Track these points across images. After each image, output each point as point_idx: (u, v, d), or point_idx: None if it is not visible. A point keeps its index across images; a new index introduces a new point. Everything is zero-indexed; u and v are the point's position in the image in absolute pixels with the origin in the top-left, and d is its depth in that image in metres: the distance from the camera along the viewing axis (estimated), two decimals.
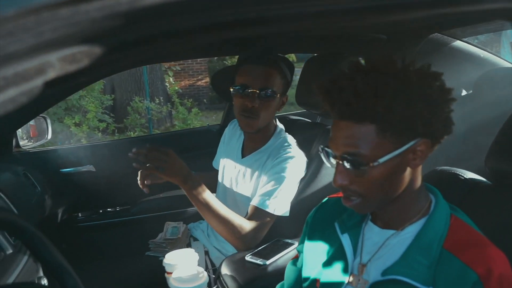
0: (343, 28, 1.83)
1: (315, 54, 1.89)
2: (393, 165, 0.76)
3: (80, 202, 1.97)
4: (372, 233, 0.87)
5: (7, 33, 0.35)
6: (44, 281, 1.16)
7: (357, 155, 0.75)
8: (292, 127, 1.66)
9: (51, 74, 0.41)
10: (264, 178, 1.44)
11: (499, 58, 2.04)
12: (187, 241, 1.62)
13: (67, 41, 0.40)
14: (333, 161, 0.81)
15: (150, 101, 6.31)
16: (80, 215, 2.02)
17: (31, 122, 2.03)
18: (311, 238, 1.00)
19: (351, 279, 0.86)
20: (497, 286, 0.72)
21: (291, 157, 1.44)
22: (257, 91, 1.42)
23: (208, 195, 1.34)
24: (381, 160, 0.74)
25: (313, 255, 0.97)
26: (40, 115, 2.00)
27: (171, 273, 1.18)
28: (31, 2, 0.35)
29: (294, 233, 1.39)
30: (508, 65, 1.97)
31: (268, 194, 1.39)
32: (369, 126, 0.73)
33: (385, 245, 0.84)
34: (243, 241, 1.36)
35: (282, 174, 1.41)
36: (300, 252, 1.04)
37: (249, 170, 1.52)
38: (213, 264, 1.53)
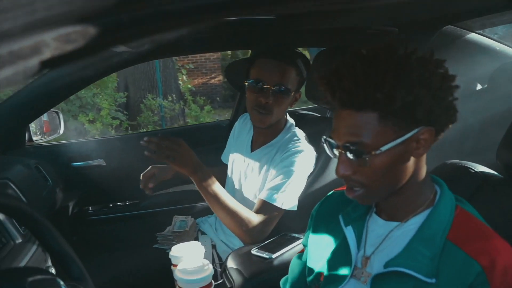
0: (353, 21, 1.82)
1: (324, 48, 1.88)
2: (396, 154, 0.75)
3: (90, 195, 2.00)
4: (376, 225, 0.86)
5: (0, 10, 0.35)
6: (52, 271, 1.18)
7: (359, 143, 0.74)
8: (302, 121, 1.66)
9: (47, 54, 0.41)
10: (272, 172, 1.44)
11: None
12: (194, 235, 1.63)
13: (62, 20, 0.40)
14: (336, 152, 0.81)
15: (163, 99, 6.36)
16: (90, 208, 2.05)
17: (45, 118, 2.07)
18: (316, 231, 0.99)
19: (354, 272, 0.86)
20: (501, 277, 0.71)
21: (300, 151, 1.43)
22: (272, 88, 1.42)
23: (217, 187, 1.34)
24: (383, 148, 0.73)
25: (318, 248, 0.96)
26: (53, 109, 2.04)
27: (177, 265, 1.19)
28: None
29: (301, 228, 1.37)
30: None
31: (276, 188, 1.38)
32: (371, 114, 0.73)
33: (388, 237, 0.83)
34: (250, 235, 1.36)
35: (291, 168, 1.40)
36: (305, 245, 1.04)
37: (258, 164, 1.52)
38: (220, 258, 1.54)
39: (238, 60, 1.86)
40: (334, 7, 1.51)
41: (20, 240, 1.20)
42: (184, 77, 7.51)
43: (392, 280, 0.78)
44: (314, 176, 1.45)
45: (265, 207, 1.38)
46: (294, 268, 1.05)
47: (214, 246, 1.59)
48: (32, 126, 2.06)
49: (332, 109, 1.94)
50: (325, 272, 0.91)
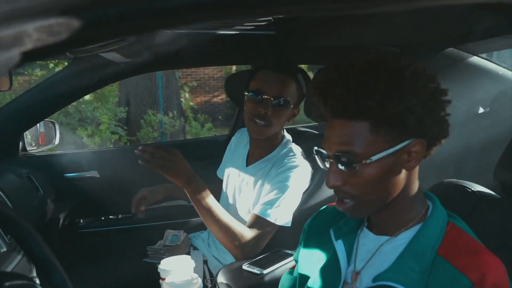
0: (355, 39, 1.85)
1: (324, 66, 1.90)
2: (387, 165, 0.75)
3: (82, 207, 1.99)
4: (367, 239, 0.86)
5: None
6: (37, 281, 1.16)
7: (350, 153, 0.75)
8: (299, 138, 1.66)
9: (28, 45, 0.41)
10: (267, 186, 1.44)
11: None
12: (186, 250, 1.61)
13: (44, 10, 0.41)
14: (327, 164, 0.81)
15: (164, 115, 6.40)
16: (82, 221, 2.04)
17: (41, 129, 2.08)
18: (307, 245, 0.99)
19: (344, 287, 0.84)
20: None
21: (295, 167, 1.43)
22: (271, 99, 1.43)
23: (211, 200, 1.33)
24: (374, 157, 0.74)
25: (309, 263, 0.95)
26: (49, 120, 2.05)
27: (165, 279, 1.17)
28: None
29: (295, 244, 1.35)
30: None
31: (270, 203, 1.37)
32: (362, 123, 0.74)
33: (378, 252, 0.82)
34: (243, 250, 1.34)
35: (286, 183, 1.40)
36: (296, 261, 1.02)
37: (252, 179, 1.52)
38: (211, 274, 1.52)
39: (238, 72, 1.87)
40: (336, 24, 1.54)
41: (5, 249, 1.19)
42: (187, 95, 7.57)
43: None
44: (310, 193, 1.44)
45: (258, 222, 1.36)
46: (284, 283, 1.04)
47: (206, 262, 1.57)
48: (28, 137, 2.07)
49: (325, 120, 1.94)
50: (315, 287, 0.90)
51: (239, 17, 0.97)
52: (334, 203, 0.99)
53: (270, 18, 1.39)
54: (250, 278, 1.24)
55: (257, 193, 1.48)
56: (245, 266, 1.28)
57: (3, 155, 1.78)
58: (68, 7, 0.42)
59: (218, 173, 1.79)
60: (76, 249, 1.84)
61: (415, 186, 0.82)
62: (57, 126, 2.05)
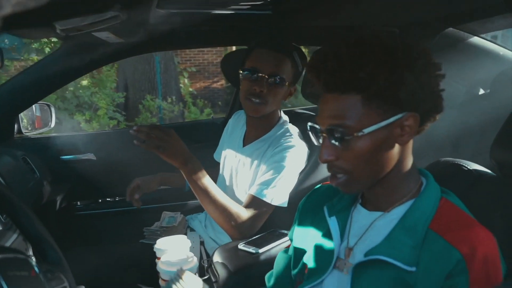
0: (352, 19, 1.83)
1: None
2: (380, 138, 0.76)
3: (79, 190, 2.00)
4: (360, 216, 0.87)
5: None
6: (33, 260, 1.18)
7: (342, 126, 0.75)
8: (297, 119, 1.66)
9: (8, 8, 0.41)
10: (263, 167, 1.44)
11: None
12: (183, 231, 1.63)
13: None
14: (321, 140, 0.82)
15: (162, 100, 6.40)
16: (79, 203, 2.05)
17: (37, 113, 2.08)
18: (301, 223, 1.00)
19: (337, 263, 0.86)
20: (481, 266, 0.71)
21: (291, 147, 1.43)
22: (266, 77, 1.43)
23: (207, 181, 1.34)
24: (366, 130, 0.74)
25: (303, 241, 0.96)
26: (44, 102, 2.05)
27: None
28: None
29: (291, 225, 1.37)
30: None
31: (266, 183, 1.38)
32: (354, 96, 0.74)
33: (371, 227, 0.83)
34: (239, 230, 1.35)
35: (282, 163, 1.40)
36: (291, 239, 1.04)
37: (249, 159, 1.53)
38: (208, 255, 1.53)
39: (234, 51, 1.85)
40: (333, 4, 1.52)
41: (0, 228, 1.20)
42: (186, 80, 7.55)
43: (373, 269, 0.78)
44: (306, 173, 1.45)
45: (254, 202, 1.37)
46: (279, 262, 1.05)
47: (202, 243, 1.58)
48: (24, 120, 2.07)
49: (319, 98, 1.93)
50: (309, 264, 0.91)
51: None
52: (328, 182, 1.00)
53: None
54: (246, 257, 1.25)
55: (253, 174, 1.49)
56: (241, 246, 1.29)
57: None
58: None
59: (215, 156, 1.79)
60: (73, 231, 1.86)
61: (409, 162, 0.83)
62: (52, 109, 2.05)
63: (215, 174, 1.67)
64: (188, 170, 1.31)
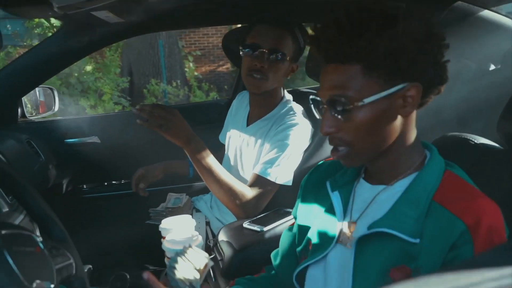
0: None
1: None
2: (381, 109, 0.75)
3: (85, 173, 2.03)
4: (363, 190, 0.87)
5: None
6: (39, 240, 1.20)
7: (343, 96, 0.75)
8: (301, 98, 1.66)
9: None
10: (267, 145, 1.45)
11: None
12: (189, 212, 1.65)
13: None
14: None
15: (167, 85, 6.40)
16: (85, 186, 2.08)
17: (41, 98, 2.09)
18: (305, 200, 1.00)
19: (341, 237, 0.86)
20: (485, 236, 0.71)
21: (295, 125, 1.43)
22: (267, 51, 1.42)
23: (211, 160, 1.35)
24: (367, 100, 0.74)
25: (307, 218, 0.97)
26: (47, 86, 2.06)
27: None
28: None
29: None
30: None
31: (271, 162, 1.39)
32: (355, 66, 0.74)
33: (374, 201, 0.83)
34: (244, 209, 1.37)
35: (285, 141, 1.40)
36: (295, 217, 1.04)
37: (253, 138, 1.53)
38: (213, 235, 1.55)
39: (236, 29, 1.83)
40: None
41: (7, 209, 1.22)
42: (191, 64, 7.53)
43: (376, 242, 0.78)
44: (310, 152, 1.45)
45: (259, 181, 1.38)
46: (284, 240, 1.06)
47: (208, 223, 1.60)
48: (28, 106, 2.09)
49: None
50: (313, 240, 0.92)
51: None
52: (331, 158, 1.00)
53: None
54: (251, 236, 1.26)
55: (257, 153, 1.49)
56: (246, 224, 1.31)
57: (2, 122, 1.80)
58: None
59: (220, 137, 1.80)
60: (80, 214, 1.89)
61: (412, 134, 0.82)
62: (55, 93, 2.06)
63: (220, 157, 1.68)
64: (191, 149, 1.32)
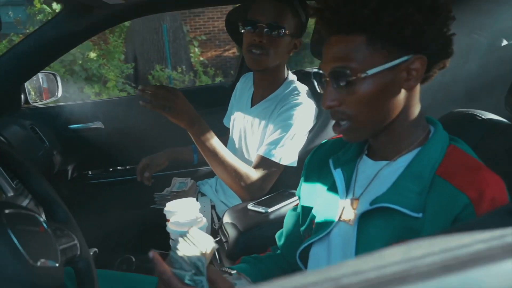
0: None
1: None
2: (384, 81, 0.75)
3: (90, 159, 2.06)
4: (366, 166, 0.87)
5: None
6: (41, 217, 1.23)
7: (346, 68, 0.75)
8: (305, 78, 1.65)
9: None
10: (271, 126, 1.45)
11: None
12: (194, 196, 1.67)
13: None
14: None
15: (172, 70, 6.41)
16: (90, 172, 2.11)
17: (44, 85, 2.11)
18: (308, 180, 1.01)
19: (343, 214, 0.87)
20: (489, 209, 0.71)
21: (298, 104, 1.43)
22: (265, 26, 1.42)
23: (215, 141, 1.35)
24: (370, 71, 0.74)
25: (310, 196, 0.98)
26: (49, 72, 2.09)
27: None
28: None
29: None
30: None
31: (275, 143, 1.40)
32: (359, 37, 0.74)
33: (377, 177, 0.84)
34: (249, 191, 1.38)
35: (289, 121, 1.41)
36: (298, 197, 1.05)
37: (257, 120, 1.54)
38: (219, 218, 1.57)
39: (238, 6, 1.82)
40: None
41: (12, 194, 1.25)
42: (196, 49, 7.51)
43: (379, 217, 0.79)
44: (315, 132, 1.45)
45: (263, 162, 1.39)
46: (288, 221, 1.07)
47: (213, 207, 1.62)
48: (32, 93, 2.12)
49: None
50: (316, 218, 0.93)
51: None
52: (334, 137, 1.01)
53: None
54: (255, 217, 1.28)
55: (261, 134, 1.50)
56: (250, 206, 1.32)
57: (5, 108, 1.83)
58: None
59: (225, 121, 1.81)
60: (85, 200, 1.93)
61: (416, 109, 0.82)
62: (58, 78, 2.08)
63: (225, 141, 1.69)
64: (195, 131, 1.33)
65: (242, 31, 1.47)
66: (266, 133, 1.47)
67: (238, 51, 8.01)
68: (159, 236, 1.38)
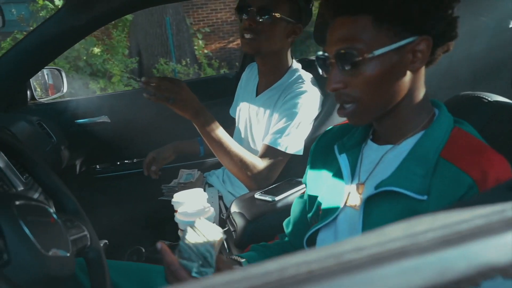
0: None
1: None
2: (390, 63, 0.76)
3: (97, 153, 2.08)
4: (371, 151, 0.88)
5: None
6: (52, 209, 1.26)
7: (353, 48, 0.76)
8: (310, 66, 1.66)
9: None
10: (276, 115, 1.46)
11: None
12: (201, 187, 1.68)
13: None
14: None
15: (177, 63, 6.42)
16: (98, 167, 2.14)
17: (49, 81, 2.14)
18: (314, 167, 1.02)
19: (349, 200, 0.88)
20: None
21: (303, 92, 1.43)
22: (256, 10, 1.42)
23: (220, 132, 1.36)
24: (376, 52, 0.74)
25: (316, 183, 0.99)
26: (54, 67, 2.11)
27: None
28: None
29: None
30: None
31: (280, 132, 1.40)
32: (364, 18, 0.75)
33: (382, 161, 0.84)
34: (256, 180, 1.39)
35: (294, 110, 1.41)
36: (305, 183, 1.06)
37: (262, 109, 1.54)
38: (226, 209, 1.59)
39: None
40: None
41: (22, 188, 1.27)
42: (200, 42, 7.51)
43: (384, 201, 0.80)
44: (320, 120, 1.46)
45: (269, 152, 1.40)
46: (295, 208, 1.09)
47: (221, 198, 1.64)
48: (37, 90, 2.14)
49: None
50: (323, 204, 0.94)
51: None
52: (339, 123, 1.02)
53: None
54: (263, 206, 1.29)
55: (267, 123, 1.51)
56: (257, 195, 1.34)
57: (12, 105, 1.85)
58: None
59: (231, 111, 1.82)
60: (94, 194, 1.95)
61: (421, 92, 0.83)
62: (63, 74, 2.10)
63: (231, 132, 1.70)
64: (200, 122, 1.33)
65: (238, 17, 1.48)
66: (271, 122, 1.48)
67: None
68: (168, 227, 1.40)
